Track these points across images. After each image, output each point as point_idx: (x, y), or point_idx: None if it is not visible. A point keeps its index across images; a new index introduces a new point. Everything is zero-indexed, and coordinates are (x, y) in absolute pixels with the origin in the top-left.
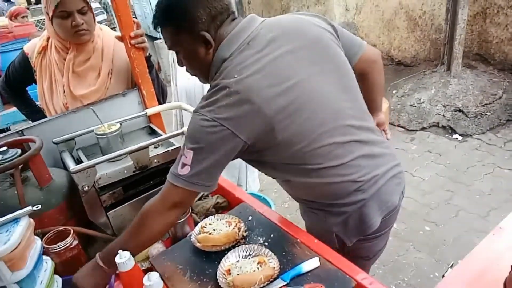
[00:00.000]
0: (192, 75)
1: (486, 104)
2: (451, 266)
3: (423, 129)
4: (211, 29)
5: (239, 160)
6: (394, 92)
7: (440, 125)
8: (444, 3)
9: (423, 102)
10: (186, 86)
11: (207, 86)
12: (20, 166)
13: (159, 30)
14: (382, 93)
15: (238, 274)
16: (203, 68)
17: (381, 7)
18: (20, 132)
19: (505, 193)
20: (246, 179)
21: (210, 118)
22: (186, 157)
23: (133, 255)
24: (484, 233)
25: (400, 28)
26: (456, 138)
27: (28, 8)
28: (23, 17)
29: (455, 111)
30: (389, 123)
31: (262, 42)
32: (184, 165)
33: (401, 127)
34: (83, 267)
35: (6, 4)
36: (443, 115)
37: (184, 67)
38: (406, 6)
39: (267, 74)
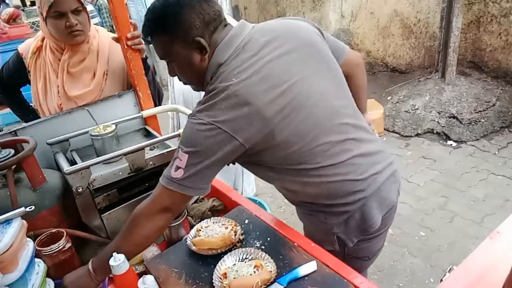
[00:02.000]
0: (185, 83)
1: (480, 111)
2: (449, 270)
3: (417, 135)
4: (205, 35)
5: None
6: (389, 98)
7: (434, 132)
8: (438, 11)
9: (417, 109)
10: (183, 89)
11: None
12: (13, 167)
13: (149, 39)
14: (366, 94)
15: (234, 278)
16: (198, 75)
17: (376, 14)
18: (13, 133)
19: (499, 199)
20: (242, 183)
21: (207, 122)
22: (181, 160)
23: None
24: (479, 239)
25: (395, 35)
26: (451, 145)
27: (22, 10)
28: (15, 19)
29: (449, 118)
30: (384, 129)
31: (256, 46)
32: (178, 168)
33: (396, 133)
34: (75, 270)
35: (0, 6)
36: (438, 121)
37: (176, 77)
38: (401, 14)
39: (264, 76)
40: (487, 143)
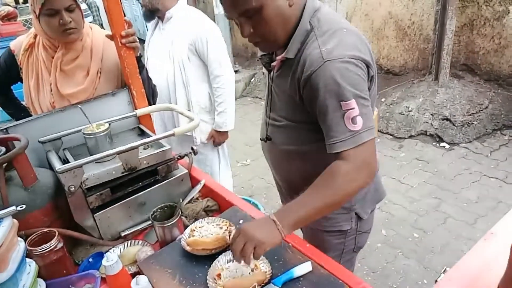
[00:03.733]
0: (257, 43)
1: (473, 113)
2: (443, 271)
3: (411, 137)
4: None
5: (209, 156)
6: (383, 100)
7: (428, 133)
8: (432, 13)
9: (411, 111)
10: (160, 87)
11: (171, 84)
12: (4, 165)
13: None
14: None
15: (228, 279)
16: (286, 24)
17: (371, 16)
18: (4, 130)
19: (492, 201)
20: (218, 177)
21: (347, 58)
22: (353, 108)
23: (316, 218)
24: (472, 241)
25: (389, 37)
26: (444, 147)
27: (16, 8)
28: (10, 19)
29: (442, 120)
30: (378, 131)
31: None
32: (354, 118)
33: (390, 134)
34: (254, 227)
35: None
36: (431, 123)
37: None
38: (396, 16)
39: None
40: (479, 145)
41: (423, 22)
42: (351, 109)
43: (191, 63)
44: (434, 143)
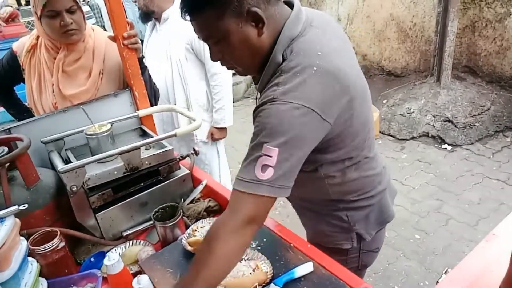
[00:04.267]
0: (229, 68)
1: (475, 115)
2: (445, 272)
3: (413, 138)
4: (260, 5)
5: (208, 155)
6: (384, 101)
7: (429, 135)
8: (434, 15)
9: (413, 112)
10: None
11: (169, 84)
12: (6, 165)
13: (188, 19)
14: None
15: (230, 279)
16: (252, 54)
17: (373, 18)
18: (7, 131)
19: (494, 202)
20: (218, 174)
21: (299, 105)
22: (270, 156)
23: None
24: (474, 242)
25: (391, 39)
26: (446, 148)
27: (18, 9)
28: (13, 19)
29: (444, 122)
30: (380, 132)
31: (321, 24)
32: (266, 167)
33: (392, 136)
34: None
35: None
36: (433, 125)
37: (219, 62)
38: (397, 18)
39: (344, 55)
40: (482, 147)
41: (424, 24)
42: (268, 156)
43: (188, 62)
44: (436, 145)
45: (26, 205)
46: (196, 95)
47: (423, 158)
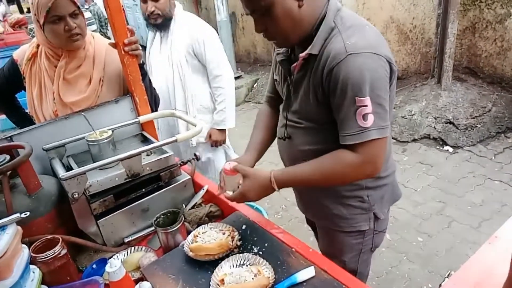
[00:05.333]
0: (270, 39)
1: (476, 116)
2: (448, 275)
3: (414, 140)
4: None
5: (212, 165)
6: None
7: (431, 137)
8: (434, 17)
9: (414, 114)
10: (160, 90)
11: (179, 91)
12: (8, 173)
13: None
14: None
15: (232, 284)
16: (295, 25)
17: (372, 20)
18: (9, 138)
19: (496, 204)
20: None
21: (369, 53)
22: (366, 105)
23: (306, 184)
24: (477, 244)
25: (391, 41)
26: (447, 150)
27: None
28: (20, 26)
29: (445, 123)
30: None
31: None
32: (366, 115)
33: (393, 138)
34: (255, 177)
35: None
36: (434, 127)
37: (263, 33)
38: (397, 20)
39: None
40: (483, 149)
41: (424, 25)
42: (364, 106)
43: (190, 65)
44: (437, 147)
45: (28, 213)
46: (200, 98)
47: (425, 160)
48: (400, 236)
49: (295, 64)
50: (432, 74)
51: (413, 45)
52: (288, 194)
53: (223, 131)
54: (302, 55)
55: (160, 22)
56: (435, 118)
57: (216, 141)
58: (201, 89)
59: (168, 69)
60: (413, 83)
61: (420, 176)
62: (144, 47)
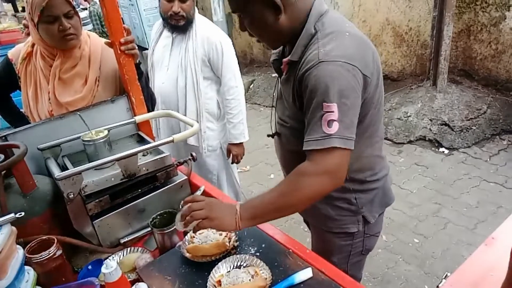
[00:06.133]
0: (256, 38)
1: (471, 118)
2: (445, 277)
3: (410, 142)
4: None
5: (215, 166)
6: None
7: (426, 139)
8: (429, 19)
9: (410, 116)
10: (162, 93)
11: (181, 94)
12: (3, 172)
13: None
14: None
15: (229, 285)
16: (272, 35)
17: (368, 22)
18: (3, 138)
19: (492, 205)
20: (226, 188)
21: (342, 62)
22: (332, 111)
23: (276, 217)
24: (473, 246)
25: (387, 43)
26: (443, 152)
27: (14, 15)
28: None
29: (441, 125)
30: None
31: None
32: (331, 122)
33: (389, 140)
34: (221, 204)
35: None
36: (430, 128)
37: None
38: (393, 22)
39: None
40: (478, 150)
41: (420, 28)
42: (330, 111)
43: (202, 72)
44: (433, 148)
45: (23, 213)
46: (207, 105)
47: (420, 162)
48: (396, 237)
49: (282, 66)
50: (427, 76)
51: (408, 47)
52: None
53: (241, 144)
54: (284, 60)
55: (182, 24)
56: (430, 120)
57: (237, 155)
58: (209, 96)
59: (180, 73)
60: (408, 85)
61: (416, 177)
62: (141, 48)
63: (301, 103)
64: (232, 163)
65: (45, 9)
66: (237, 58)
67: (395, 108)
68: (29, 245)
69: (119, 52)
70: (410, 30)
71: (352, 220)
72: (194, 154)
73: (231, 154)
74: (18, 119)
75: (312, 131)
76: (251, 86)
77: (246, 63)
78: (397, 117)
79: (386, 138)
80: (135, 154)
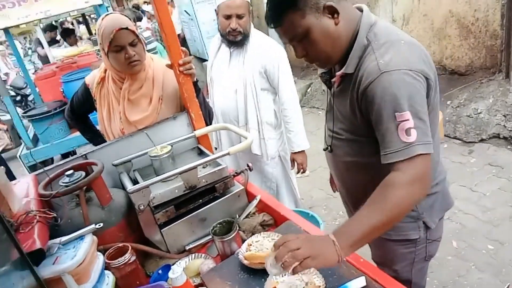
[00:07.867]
0: (312, 62)
1: None
2: (508, 286)
3: (482, 140)
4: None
5: (274, 174)
6: (448, 102)
7: (501, 136)
8: (498, 8)
9: (480, 112)
10: (222, 106)
11: (241, 106)
12: (84, 188)
13: (275, 25)
14: None
15: None
16: (334, 43)
17: (430, 16)
18: (84, 156)
19: None
20: (285, 195)
21: (404, 69)
22: (407, 119)
23: (375, 237)
24: None
25: (451, 36)
26: None
27: (89, 39)
28: None
29: None
30: (445, 135)
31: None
32: (409, 130)
33: (458, 139)
34: (315, 239)
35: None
36: (504, 125)
37: (304, 58)
38: (457, 14)
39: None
40: None
41: (488, 17)
42: (405, 120)
43: (260, 85)
44: (508, 147)
45: (102, 224)
46: (265, 115)
47: (495, 162)
48: (468, 243)
49: (334, 79)
50: (499, 68)
51: (476, 38)
52: None
53: (304, 152)
54: (338, 73)
55: (239, 40)
56: (504, 116)
57: (302, 163)
58: (267, 106)
59: (238, 86)
60: (478, 79)
61: (489, 179)
62: (201, 59)
63: (363, 116)
64: (297, 172)
65: (113, 40)
66: (293, 63)
67: (464, 104)
68: (108, 251)
69: (178, 72)
70: (476, 20)
71: (412, 226)
72: (250, 164)
73: (295, 163)
74: (95, 136)
75: (390, 143)
76: (308, 90)
77: (303, 67)
78: (467, 115)
79: (455, 137)
80: (195, 167)
